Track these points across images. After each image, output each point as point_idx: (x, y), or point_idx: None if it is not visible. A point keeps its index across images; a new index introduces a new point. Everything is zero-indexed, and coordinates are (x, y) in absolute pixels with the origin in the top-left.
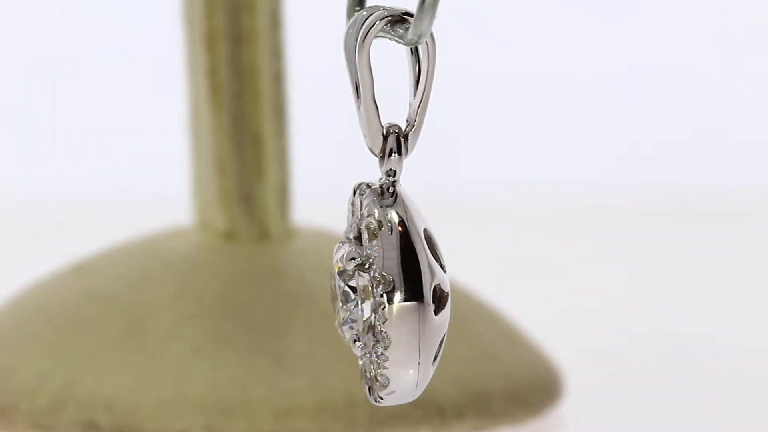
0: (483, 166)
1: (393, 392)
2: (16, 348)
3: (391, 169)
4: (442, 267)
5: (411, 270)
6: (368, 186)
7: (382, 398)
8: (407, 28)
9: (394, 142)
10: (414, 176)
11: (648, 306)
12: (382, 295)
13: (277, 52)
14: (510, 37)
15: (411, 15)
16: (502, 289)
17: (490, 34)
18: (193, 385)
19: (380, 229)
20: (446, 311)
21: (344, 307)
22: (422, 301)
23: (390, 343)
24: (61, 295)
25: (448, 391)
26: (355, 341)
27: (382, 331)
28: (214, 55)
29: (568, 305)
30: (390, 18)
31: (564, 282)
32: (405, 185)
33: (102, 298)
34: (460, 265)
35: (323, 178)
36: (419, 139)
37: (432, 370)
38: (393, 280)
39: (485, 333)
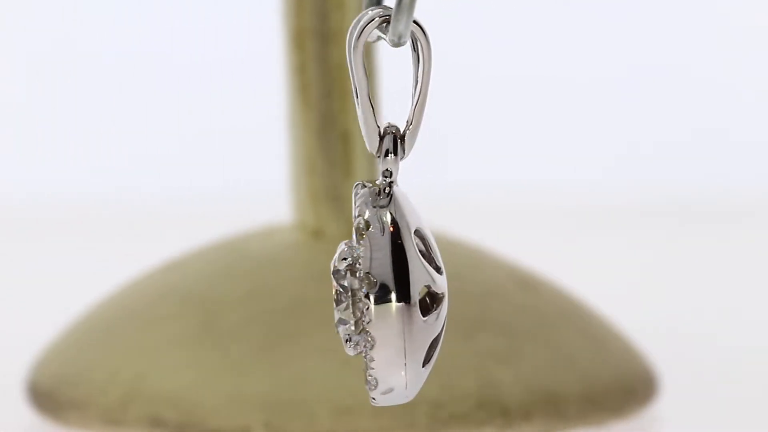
0: (483, 166)
1: (384, 393)
2: (96, 345)
3: (387, 170)
4: (438, 268)
5: (396, 271)
6: (364, 186)
7: (375, 399)
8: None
9: (391, 143)
10: (414, 176)
11: (647, 306)
12: (367, 296)
13: (366, 50)
14: (511, 36)
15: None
16: None
17: (490, 33)
18: (255, 383)
19: (367, 229)
20: (439, 313)
21: (337, 307)
22: (407, 303)
23: (375, 343)
24: (144, 292)
25: (514, 391)
26: (347, 341)
27: (367, 331)
28: (304, 53)
29: None
30: (383, 19)
31: (564, 282)
32: (405, 185)
33: (181, 296)
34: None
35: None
36: (418, 140)
37: (425, 371)
38: (377, 281)
39: (565, 332)
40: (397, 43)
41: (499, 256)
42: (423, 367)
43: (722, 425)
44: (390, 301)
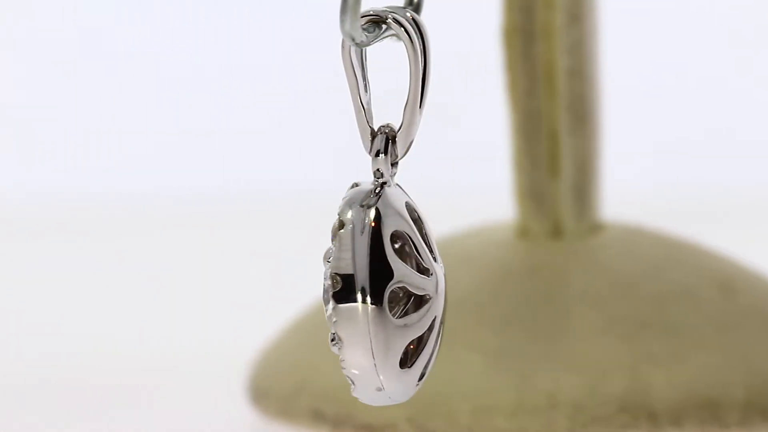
0: (483, 166)
1: (363, 393)
2: (304, 345)
3: (378, 170)
4: (424, 270)
5: (361, 271)
6: (356, 185)
7: (358, 397)
8: (388, 29)
9: (382, 143)
10: (415, 176)
11: None
12: (333, 295)
13: (573, 49)
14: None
15: (381, 17)
16: None
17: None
18: None
19: (340, 229)
20: (423, 314)
21: (325, 306)
22: (373, 303)
23: (342, 343)
24: None
25: (664, 395)
26: (332, 340)
27: (335, 331)
28: (511, 51)
29: None
30: (369, 19)
31: None
32: (406, 186)
33: None
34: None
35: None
36: (415, 141)
37: (409, 373)
38: (341, 280)
39: (743, 336)
40: (358, 44)
41: (707, 255)
42: (405, 368)
43: None
44: (353, 300)
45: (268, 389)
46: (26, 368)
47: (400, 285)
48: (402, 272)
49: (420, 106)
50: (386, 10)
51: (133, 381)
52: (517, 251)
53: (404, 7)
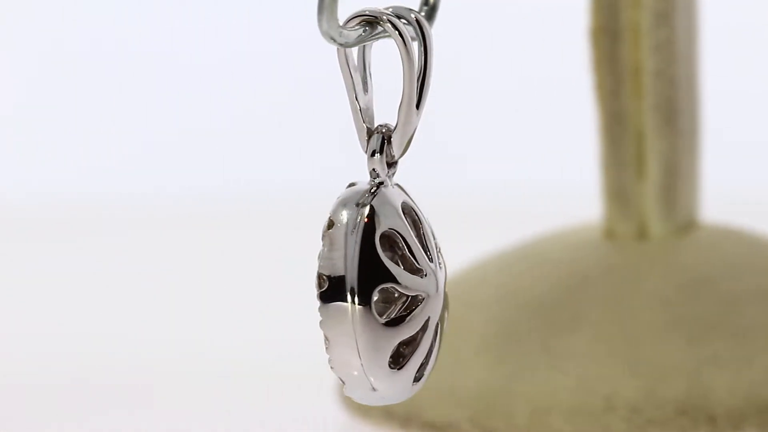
0: (484, 166)
1: (354, 392)
2: None
3: (374, 170)
4: (416, 270)
5: (349, 271)
6: (353, 185)
7: (351, 396)
8: (381, 29)
9: (377, 143)
10: (416, 176)
11: None
12: (319, 295)
13: (661, 50)
14: (511, 38)
15: (375, 17)
16: None
17: (492, 34)
18: (469, 379)
19: (329, 229)
20: (415, 316)
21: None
22: (359, 303)
23: (329, 343)
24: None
25: (725, 399)
26: (325, 339)
27: (322, 331)
28: (598, 51)
29: None
30: (363, 19)
31: None
32: (408, 186)
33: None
34: (460, 264)
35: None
36: (412, 141)
37: (402, 374)
38: (327, 280)
39: None
40: (341, 44)
41: None
42: (396, 369)
43: None
44: (338, 300)
45: None
46: (26, 368)
47: (388, 286)
48: (391, 273)
49: (417, 107)
50: (383, 12)
51: (133, 381)
52: (598, 252)
53: (410, 9)
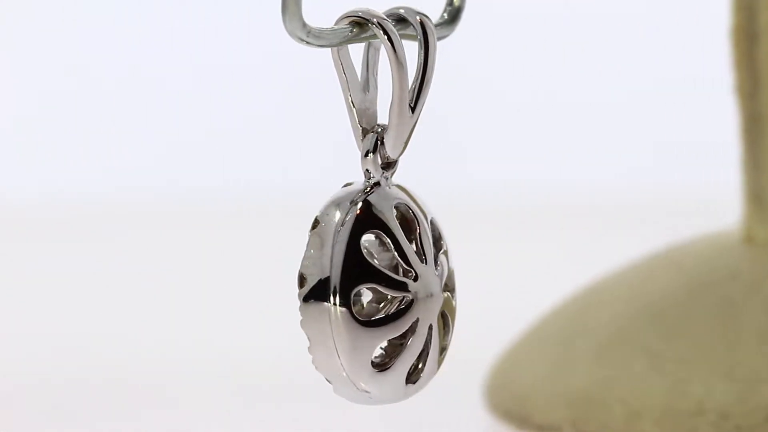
0: (484, 166)
1: (343, 393)
2: (540, 352)
3: (367, 170)
4: (405, 271)
5: (327, 270)
6: (348, 185)
7: (341, 396)
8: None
9: (371, 143)
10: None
11: None
12: (299, 294)
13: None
14: (512, 38)
15: (365, 18)
16: (505, 289)
17: (492, 34)
18: (577, 380)
19: (313, 228)
20: (402, 317)
21: None
22: (338, 303)
23: (310, 343)
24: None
25: None
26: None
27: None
28: (737, 52)
29: None
30: (352, 19)
31: (567, 282)
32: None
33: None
34: (461, 263)
35: None
36: (409, 141)
37: (389, 375)
38: (306, 280)
39: None
40: (309, 43)
41: None
42: (381, 371)
43: None
44: (317, 299)
45: (496, 388)
46: (27, 368)
47: (368, 286)
48: (372, 273)
49: (414, 107)
50: (374, 13)
51: (133, 381)
52: (732, 258)
53: (417, 11)
